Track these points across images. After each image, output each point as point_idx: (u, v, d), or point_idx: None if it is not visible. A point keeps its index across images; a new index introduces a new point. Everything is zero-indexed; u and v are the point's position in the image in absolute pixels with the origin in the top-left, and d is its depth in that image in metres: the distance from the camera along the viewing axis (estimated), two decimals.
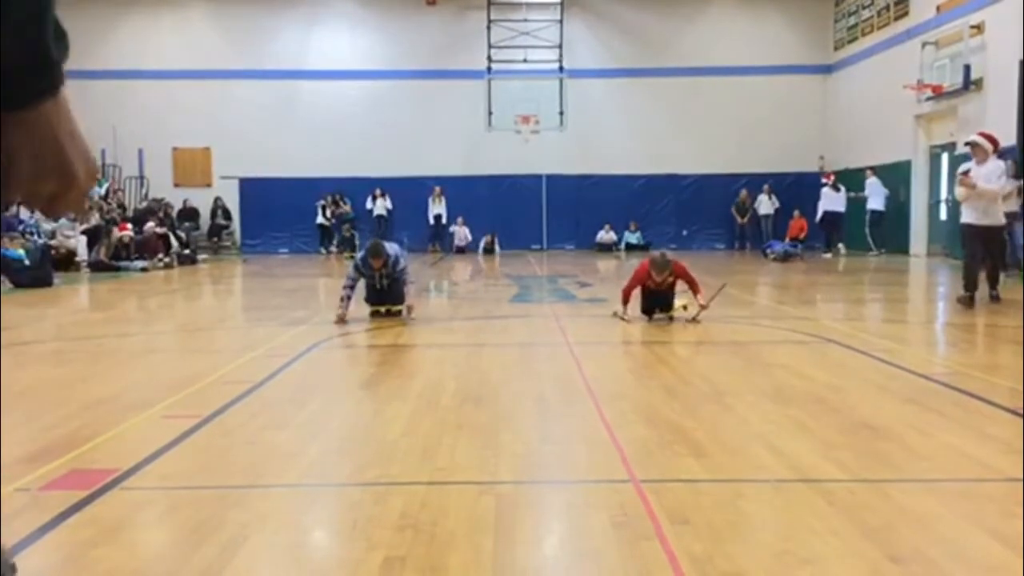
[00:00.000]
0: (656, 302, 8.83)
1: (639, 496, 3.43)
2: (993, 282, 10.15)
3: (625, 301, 8.86)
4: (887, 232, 21.16)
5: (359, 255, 9.20)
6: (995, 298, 10.03)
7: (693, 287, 8.76)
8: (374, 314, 9.11)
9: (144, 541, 3.15)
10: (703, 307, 8.71)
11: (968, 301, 9.76)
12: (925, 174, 20.37)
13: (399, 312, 9.10)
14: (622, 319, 8.84)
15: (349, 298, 8.84)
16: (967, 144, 10.31)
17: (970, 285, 9.86)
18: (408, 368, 6.96)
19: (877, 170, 21.53)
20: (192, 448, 4.27)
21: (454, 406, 5.15)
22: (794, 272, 16.87)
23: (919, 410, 4.97)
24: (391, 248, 9.06)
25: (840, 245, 21.75)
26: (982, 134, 10.27)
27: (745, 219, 24.81)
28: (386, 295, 9.12)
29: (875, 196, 21.07)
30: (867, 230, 21.19)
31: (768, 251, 20.64)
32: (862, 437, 4.34)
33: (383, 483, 3.70)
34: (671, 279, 8.70)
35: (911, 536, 3.02)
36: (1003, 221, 10.48)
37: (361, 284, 9.06)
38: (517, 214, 25.23)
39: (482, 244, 24.85)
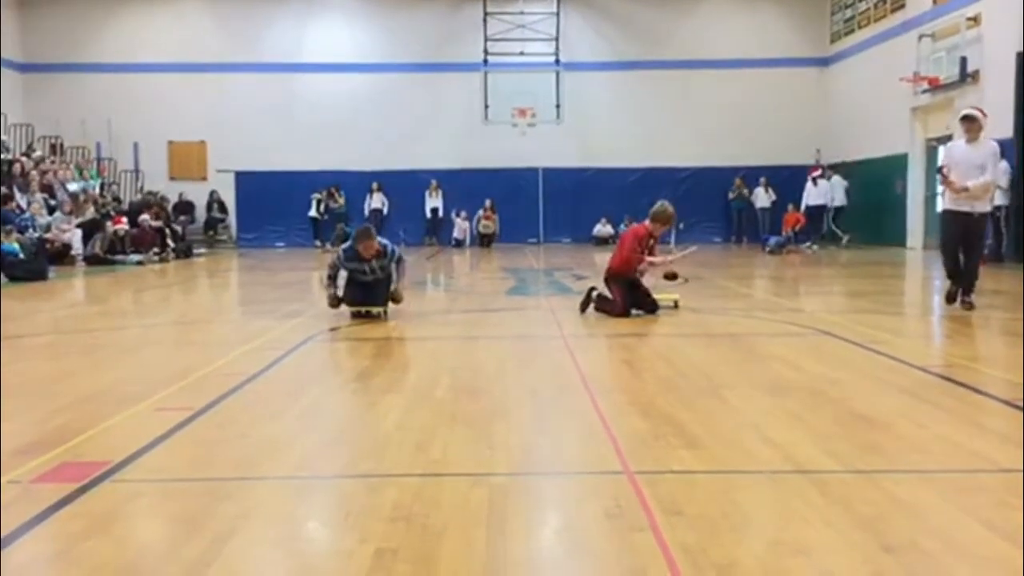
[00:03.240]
0: (640, 301, 8.81)
1: (633, 487, 3.42)
2: (969, 286, 8.85)
3: (639, 260, 8.77)
4: (846, 224, 22.45)
5: (344, 246, 8.58)
6: (968, 305, 8.77)
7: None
8: (355, 315, 8.46)
9: (135, 533, 3.13)
10: (671, 261, 9.09)
11: (955, 296, 8.89)
12: (922, 167, 20.36)
13: (379, 315, 8.46)
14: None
15: (335, 279, 8.44)
16: (963, 119, 8.97)
17: (955, 276, 8.93)
18: (403, 361, 6.95)
19: (840, 167, 23.25)
20: (184, 441, 4.25)
21: (448, 398, 5.13)
22: (789, 265, 16.87)
23: (914, 401, 4.96)
24: (382, 240, 8.51)
25: (812, 239, 22.24)
26: (979, 110, 9.06)
27: (735, 196, 24.96)
28: (369, 294, 8.46)
29: (838, 192, 22.50)
30: (831, 224, 22.38)
31: (766, 244, 20.70)
32: (857, 428, 4.34)
33: (376, 475, 3.69)
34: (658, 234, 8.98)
35: (905, 526, 3.01)
36: (988, 209, 9.25)
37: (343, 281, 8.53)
38: (514, 207, 25.21)
39: (478, 220, 24.81)
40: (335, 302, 8.45)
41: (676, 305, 9.07)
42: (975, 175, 8.62)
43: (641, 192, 25.05)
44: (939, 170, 9.50)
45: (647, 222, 8.96)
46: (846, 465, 3.70)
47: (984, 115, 8.93)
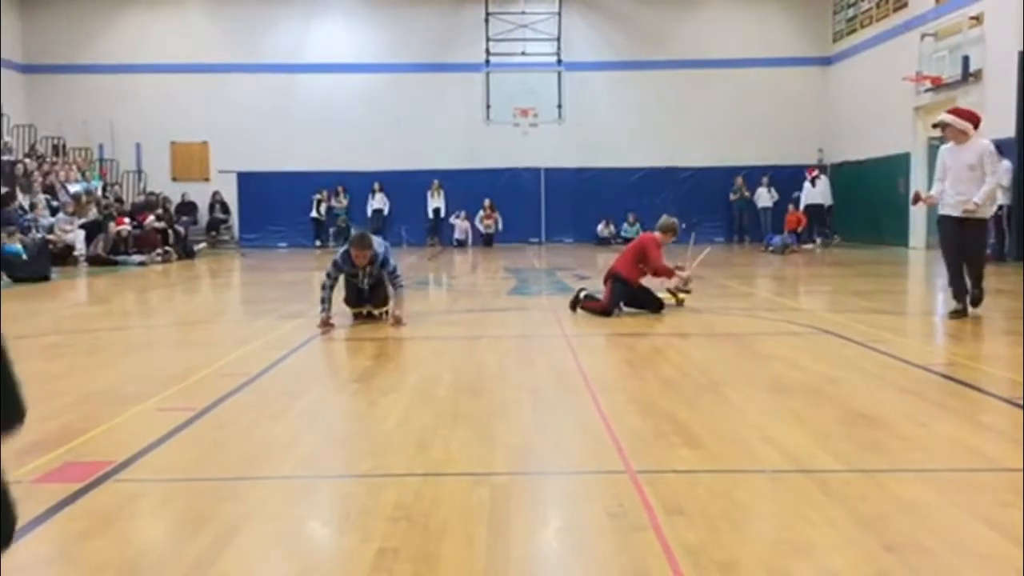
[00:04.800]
0: (633, 297, 8.87)
1: (634, 487, 3.42)
2: (977, 280, 8.36)
3: (670, 273, 9.03)
4: (835, 224, 23.29)
5: (341, 250, 8.25)
6: (976, 298, 8.37)
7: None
8: (356, 316, 8.35)
9: (137, 533, 3.14)
10: (682, 288, 9.20)
11: (961, 313, 8.24)
12: (924, 166, 20.30)
13: (381, 315, 8.34)
14: (680, 292, 9.25)
15: (329, 300, 7.98)
16: (935, 125, 8.52)
17: (960, 294, 8.32)
18: (404, 360, 6.95)
19: (840, 167, 24.06)
20: (186, 440, 4.25)
21: (450, 398, 5.13)
22: (791, 264, 16.86)
23: (915, 400, 4.96)
24: (377, 245, 8.16)
25: (817, 238, 22.63)
26: (954, 111, 8.47)
27: (736, 197, 24.96)
28: (369, 295, 8.30)
29: (825, 193, 23.27)
30: (826, 223, 23.21)
31: (769, 244, 20.69)
32: (858, 427, 4.33)
33: (377, 475, 3.69)
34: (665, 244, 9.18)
35: (906, 525, 3.01)
36: (988, 215, 8.58)
37: (340, 283, 8.26)
38: (516, 207, 25.19)
39: (479, 218, 24.82)
40: (325, 325, 7.92)
41: (680, 303, 9.18)
42: (967, 177, 8.13)
43: (643, 192, 25.13)
44: (914, 200, 9.23)
45: (657, 233, 9.13)
46: (848, 464, 3.70)
47: (964, 115, 8.32)
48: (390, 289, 8.28)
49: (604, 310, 8.66)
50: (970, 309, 8.35)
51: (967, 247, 8.33)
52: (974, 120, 8.26)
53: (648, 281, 9.14)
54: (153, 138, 25.22)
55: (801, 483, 3.47)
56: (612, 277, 8.87)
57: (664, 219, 9.27)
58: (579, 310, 8.84)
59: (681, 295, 9.29)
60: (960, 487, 3.45)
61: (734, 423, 4.50)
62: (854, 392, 5.21)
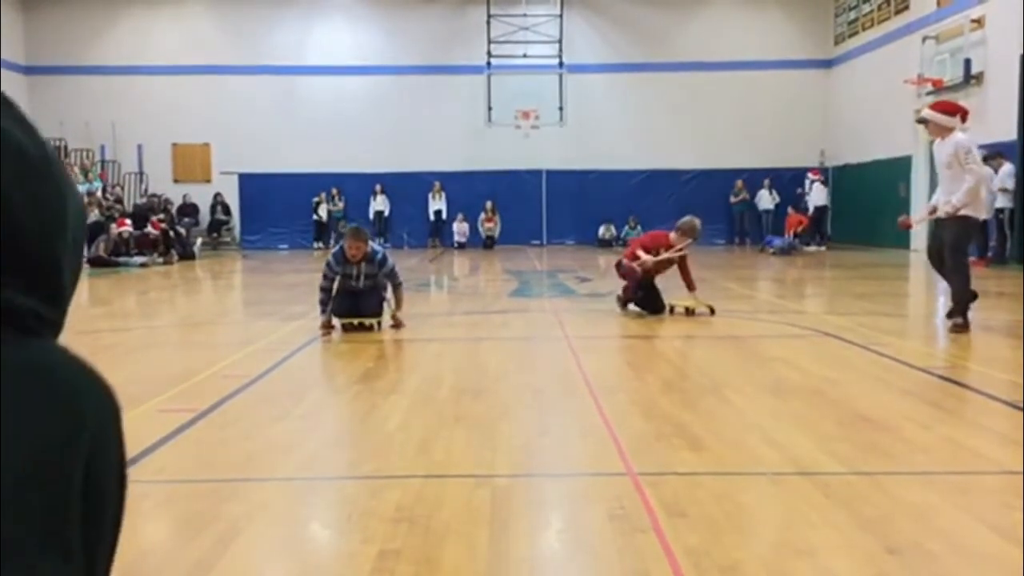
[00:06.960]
0: (645, 299, 8.89)
1: (636, 489, 3.42)
2: (954, 303, 7.67)
3: (635, 257, 8.74)
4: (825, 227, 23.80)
5: (335, 248, 7.84)
6: (959, 326, 7.52)
7: (689, 280, 8.92)
8: (346, 327, 7.77)
9: (138, 534, 3.13)
10: (709, 309, 8.78)
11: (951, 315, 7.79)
12: (926, 169, 20.29)
13: (372, 327, 7.83)
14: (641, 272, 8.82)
15: (328, 302, 7.72)
16: (919, 121, 8.23)
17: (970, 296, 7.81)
18: (406, 362, 6.95)
19: (843, 169, 24.10)
20: (188, 442, 4.26)
21: (452, 399, 5.13)
22: (792, 266, 16.85)
23: (917, 403, 4.96)
24: (374, 246, 7.86)
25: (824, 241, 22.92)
26: (936, 106, 7.90)
27: (737, 200, 24.97)
28: (360, 304, 7.80)
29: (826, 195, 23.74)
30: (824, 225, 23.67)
31: (769, 246, 20.69)
32: (860, 429, 4.33)
33: (379, 476, 3.69)
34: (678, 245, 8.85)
35: (908, 528, 3.01)
36: (973, 215, 7.62)
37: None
38: (517, 209, 25.19)
39: (481, 220, 24.85)
40: (326, 329, 7.73)
41: (713, 311, 8.82)
42: (945, 176, 7.68)
43: (644, 194, 25.11)
44: (904, 226, 8.97)
45: (672, 232, 8.97)
46: (849, 466, 3.70)
47: (947, 109, 7.71)
48: (389, 292, 8.02)
49: (637, 282, 8.72)
50: (969, 315, 7.77)
51: (943, 248, 7.69)
52: (956, 112, 7.58)
53: (659, 282, 9.10)
54: (155, 139, 25.23)
55: (802, 485, 3.46)
56: (621, 265, 9.04)
57: (687, 219, 8.98)
58: (626, 306, 8.92)
59: (706, 303, 8.89)
60: (962, 489, 3.45)
61: (735, 425, 4.50)
62: (855, 394, 5.20)
